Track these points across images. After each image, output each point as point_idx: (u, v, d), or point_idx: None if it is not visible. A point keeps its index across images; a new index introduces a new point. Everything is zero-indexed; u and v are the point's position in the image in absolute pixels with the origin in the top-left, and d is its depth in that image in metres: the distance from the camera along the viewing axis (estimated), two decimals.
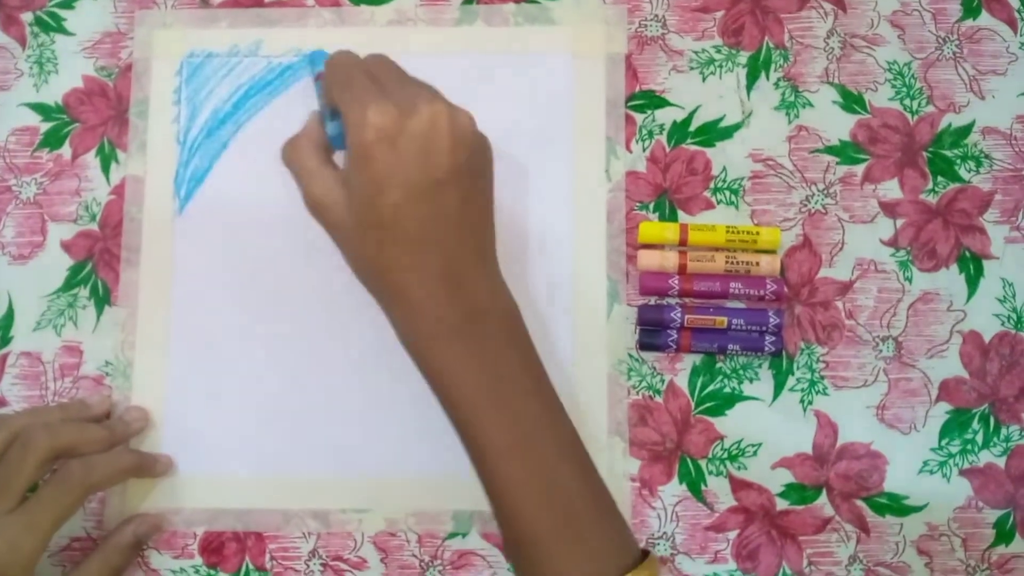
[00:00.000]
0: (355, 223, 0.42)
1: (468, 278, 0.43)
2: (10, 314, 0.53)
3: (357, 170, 0.41)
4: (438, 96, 0.42)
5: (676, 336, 0.51)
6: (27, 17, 0.56)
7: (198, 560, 0.50)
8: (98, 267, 0.53)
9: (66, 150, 0.54)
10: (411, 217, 0.41)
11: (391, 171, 0.40)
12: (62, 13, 0.56)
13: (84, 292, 0.53)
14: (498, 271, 0.45)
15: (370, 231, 0.41)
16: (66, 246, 0.53)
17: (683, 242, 0.51)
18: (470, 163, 0.42)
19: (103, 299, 0.53)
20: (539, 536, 0.41)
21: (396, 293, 0.42)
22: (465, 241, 0.43)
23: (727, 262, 0.51)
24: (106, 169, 0.54)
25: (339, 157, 0.44)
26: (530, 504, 0.41)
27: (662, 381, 0.51)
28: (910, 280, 0.52)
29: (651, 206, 0.53)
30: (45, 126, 0.54)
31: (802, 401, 0.51)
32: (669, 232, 0.51)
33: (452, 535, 0.50)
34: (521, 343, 0.44)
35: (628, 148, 0.53)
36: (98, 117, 0.54)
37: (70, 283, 0.53)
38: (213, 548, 0.51)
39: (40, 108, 0.55)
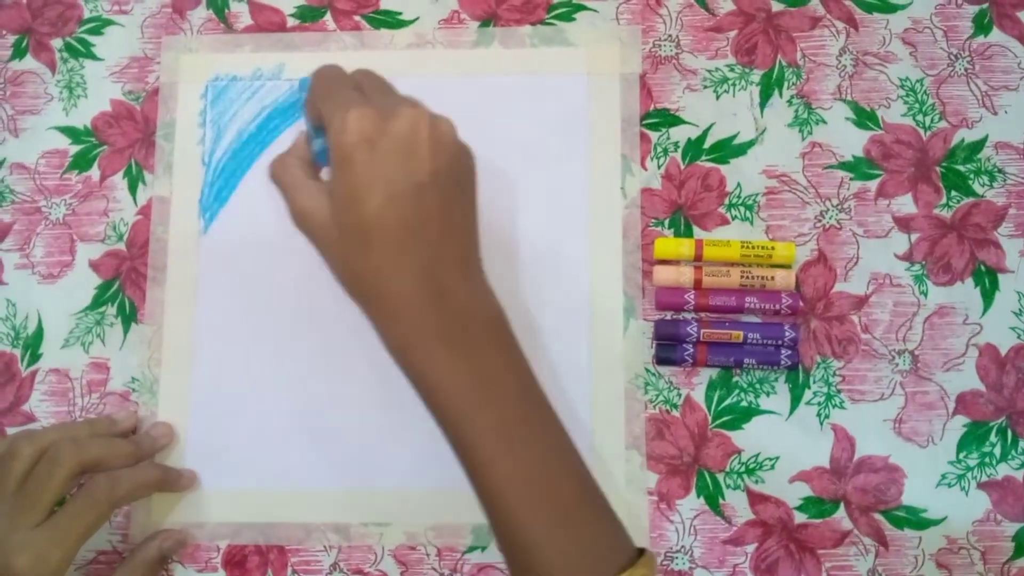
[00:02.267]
0: (338, 230, 0.42)
1: (451, 282, 0.42)
2: (39, 332, 0.54)
3: (339, 174, 0.41)
4: (419, 104, 0.43)
5: (692, 350, 0.51)
6: (57, 43, 0.57)
7: (221, 573, 0.51)
8: (125, 286, 0.54)
9: (95, 172, 0.56)
10: (392, 220, 0.41)
11: (372, 174, 0.41)
12: (91, 39, 0.57)
13: (111, 310, 0.54)
14: (483, 277, 0.45)
15: (352, 236, 0.42)
16: (94, 265, 0.55)
17: (698, 257, 0.52)
18: (451, 168, 0.43)
19: (130, 317, 0.54)
20: (532, 537, 0.41)
21: (379, 298, 0.42)
22: (447, 245, 0.43)
23: (742, 277, 0.52)
24: (133, 190, 0.55)
25: (325, 174, 0.45)
26: (522, 506, 0.41)
27: (679, 395, 0.52)
28: (925, 294, 0.52)
29: (666, 222, 0.53)
30: (74, 149, 0.56)
31: (819, 415, 0.51)
32: (684, 248, 0.52)
33: (471, 548, 0.51)
34: (508, 347, 0.44)
35: (643, 166, 0.54)
36: (126, 140, 0.56)
37: (98, 301, 0.54)
38: (236, 562, 0.51)
39: (69, 131, 0.56)
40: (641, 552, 0.42)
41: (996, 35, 0.55)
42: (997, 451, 0.50)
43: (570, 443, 0.43)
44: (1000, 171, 0.53)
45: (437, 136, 0.42)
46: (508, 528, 0.41)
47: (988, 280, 0.52)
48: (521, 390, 0.43)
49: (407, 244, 0.41)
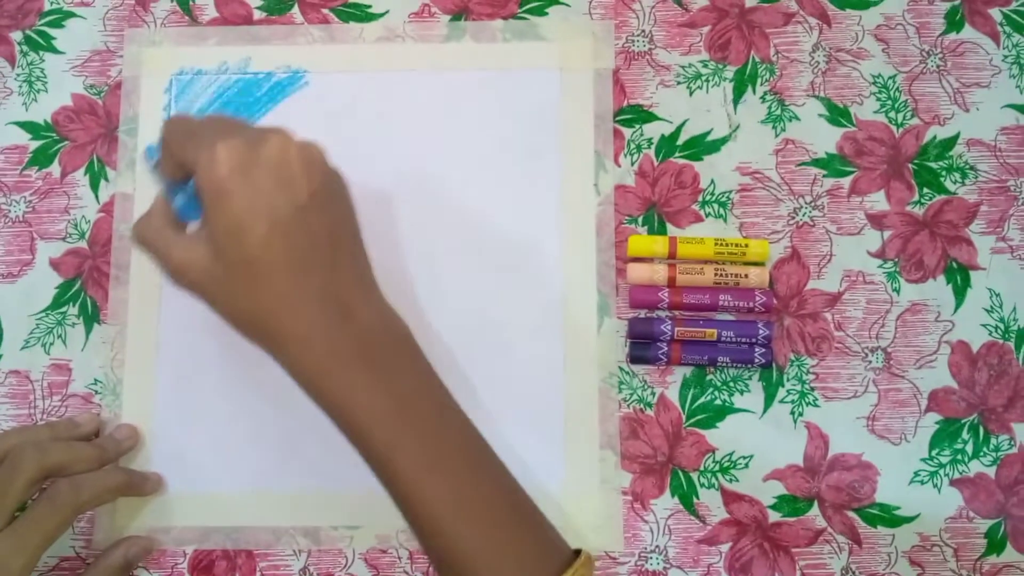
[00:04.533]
0: (223, 271, 0.40)
1: (353, 304, 0.42)
2: None
3: (216, 211, 0.40)
4: (284, 130, 0.41)
5: (666, 349, 0.51)
6: (16, 36, 0.56)
7: None
8: (87, 285, 0.53)
9: (55, 168, 0.54)
10: (280, 248, 0.40)
11: (251, 203, 0.39)
12: (51, 32, 0.56)
13: (73, 310, 0.53)
14: (382, 296, 0.44)
15: (240, 273, 0.40)
16: (55, 264, 0.53)
17: (672, 255, 0.52)
18: (327, 189, 0.42)
19: (92, 317, 0.53)
20: (463, 552, 0.40)
21: (281, 332, 0.41)
22: (342, 266, 0.42)
23: (716, 275, 0.51)
24: (95, 187, 0.54)
25: (192, 229, 0.43)
26: (450, 522, 0.40)
27: (653, 394, 0.51)
28: (898, 291, 0.52)
29: (640, 220, 0.53)
30: (34, 144, 0.54)
31: (792, 413, 0.51)
32: (658, 245, 0.52)
33: None
34: (420, 365, 0.43)
35: (617, 162, 0.53)
36: (87, 135, 0.54)
37: (59, 301, 0.53)
38: (203, 567, 0.50)
39: (29, 126, 0.55)
40: (577, 553, 0.42)
41: (968, 32, 0.55)
42: (969, 448, 0.51)
43: (492, 454, 0.43)
44: (972, 168, 0.53)
45: (308, 158, 0.41)
46: (439, 545, 0.41)
47: (960, 277, 0.52)
48: (438, 407, 0.43)
49: (300, 271, 0.40)
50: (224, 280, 0.41)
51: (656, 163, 0.54)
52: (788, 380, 0.51)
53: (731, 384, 0.51)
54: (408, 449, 0.41)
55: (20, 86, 0.55)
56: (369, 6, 0.56)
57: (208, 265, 0.41)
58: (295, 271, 0.40)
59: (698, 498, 0.50)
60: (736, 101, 0.54)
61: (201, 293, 0.42)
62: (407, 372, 0.42)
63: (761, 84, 0.54)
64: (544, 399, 0.51)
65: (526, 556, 0.41)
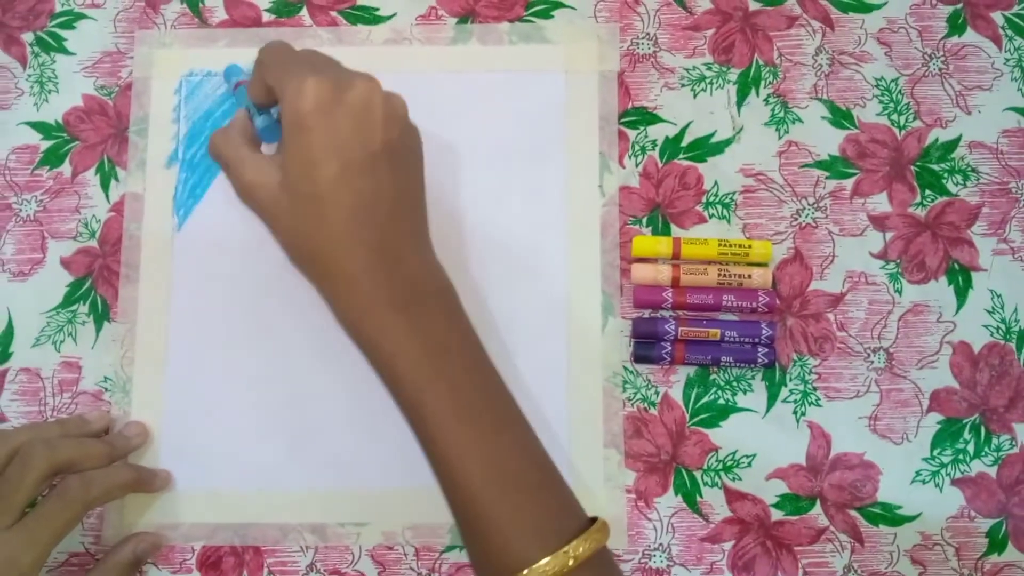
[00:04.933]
0: (290, 200, 0.42)
1: (405, 254, 0.43)
2: (10, 330, 0.53)
3: (293, 142, 0.41)
4: (374, 78, 0.43)
5: (670, 348, 0.51)
6: (28, 37, 0.56)
7: (196, 575, 0.51)
8: (97, 283, 0.53)
9: (66, 168, 0.55)
10: (348, 190, 0.41)
11: (328, 142, 0.41)
12: (63, 33, 0.56)
13: (83, 308, 0.53)
14: (432, 250, 0.45)
15: (307, 205, 0.42)
16: (66, 263, 0.54)
17: (676, 256, 0.52)
18: (403, 142, 0.43)
19: (102, 315, 0.53)
20: (484, 503, 0.41)
21: (333, 267, 0.42)
22: (401, 218, 0.43)
23: (720, 275, 0.52)
24: (106, 187, 0.54)
25: (267, 151, 0.45)
26: (474, 472, 0.41)
27: (656, 393, 0.52)
28: (900, 292, 0.52)
29: (644, 220, 0.53)
30: (45, 144, 0.55)
31: (795, 412, 0.51)
32: (662, 246, 0.52)
33: (449, 548, 0.51)
34: (460, 322, 0.45)
35: (621, 163, 0.54)
36: (98, 135, 0.55)
37: (69, 299, 0.53)
38: (211, 563, 0.51)
39: (40, 127, 0.55)
40: (593, 521, 0.42)
41: (970, 35, 0.55)
42: (971, 448, 0.51)
43: (520, 414, 0.44)
44: (974, 170, 0.54)
45: (390, 109, 0.43)
46: (460, 495, 0.42)
47: (962, 278, 0.53)
48: (472, 360, 0.44)
49: (362, 214, 0.42)
50: (289, 210, 0.42)
51: (660, 165, 0.54)
52: (791, 380, 0.52)
53: (734, 384, 0.52)
54: (438, 395, 0.42)
55: (31, 87, 0.56)
56: (377, 9, 0.56)
57: (276, 192, 0.42)
58: (356, 216, 0.42)
59: (701, 496, 0.51)
60: (740, 103, 0.55)
61: (263, 216, 0.43)
62: (445, 322, 0.44)
63: (764, 87, 0.55)
64: (548, 398, 0.51)
65: (545, 515, 0.42)
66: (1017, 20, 0.55)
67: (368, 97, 0.42)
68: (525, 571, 0.40)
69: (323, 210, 0.42)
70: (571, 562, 0.40)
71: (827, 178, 0.54)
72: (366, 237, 0.42)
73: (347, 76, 0.43)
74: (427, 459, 0.43)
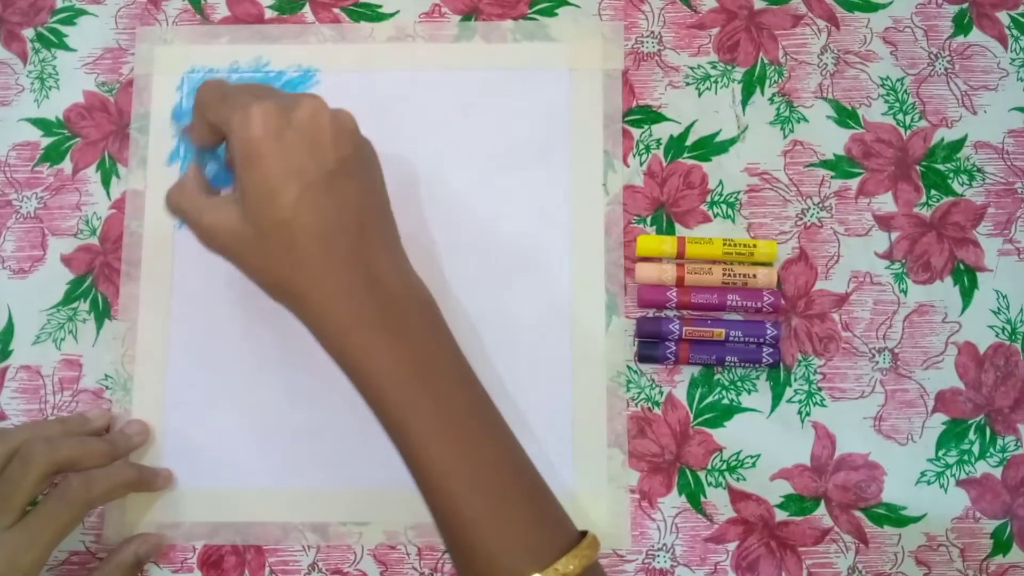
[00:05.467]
0: (254, 232, 0.41)
1: (380, 268, 0.42)
2: (10, 328, 0.53)
3: (248, 173, 0.41)
4: (317, 96, 0.43)
5: (674, 348, 0.51)
6: (29, 33, 0.56)
7: (197, 574, 0.50)
8: (98, 281, 0.53)
9: (67, 165, 0.54)
10: (312, 210, 0.41)
11: (284, 166, 0.40)
12: (63, 29, 0.56)
13: (84, 306, 0.53)
14: (408, 263, 0.45)
15: (272, 235, 0.41)
16: (66, 260, 0.53)
17: (680, 255, 0.52)
18: (357, 157, 0.43)
19: (103, 313, 0.53)
20: (471, 519, 0.40)
21: (309, 291, 0.41)
22: (370, 231, 0.43)
23: (724, 275, 0.51)
24: (107, 184, 0.54)
25: (225, 193, 0.45)
26: (460, 487, 0.41)
27: (661, 393, 0.51)
28: (905, 292, 0.52)
29: (648, 219, 0.53)
30: (46, 141, 0.55)
31: (800, 412, 0.51)
32: (667, 245, 0.52)
33: None
34: (442, 334, 0.44)
35: (625, 162, 0.54)
36: (99, 132, 0.55)
37: (70, 297, 0.53)
38: (212, 562, 0.50)
39: (41, 123, 0.55)
40: (583, 535, 0.42)
41: (976, 35, 0.55)
42: (976, 449, 0.51)
43: (505, 427, 0.43)
44: (979, 170, 0.53)
45: (339, 125, 0.42)
46: (445, 513, 0.41)
47: (967, 279, 0.52)
48: (455, 376, 0.43)
49: (331, 233, 0.41)
50: (253, 241, 0.41)
51: (665, 163, 0.54)
52: (795, 380, 0.52)
53: (739, 383, 0.51)
54: (421, 413, 0.41)
55: (32, 83, 0.55)
56: (380, 6, 0.56)
57: (237, 227, 0.42)
58: (324, 236, 0.41)
59: (705, 497, 0.51)
60: (744, 102, 0.54)
61: (230, 255, 0.43)
62: (427, 338, 0.43)
63: (769, 86, 0.54)
64: (552, 397, 0.51)
65: (532, 530, 0.41)
66: (1023, 20, 0.55)
67: (315, 115, 0.41)
68: None
69: (290, 237, 0.41)
70: None
71: (832, 178, 0.53)
72: (337, 258, 0.41)
73: (290, 98, 0.42)
74: (412, 477, 0.42)
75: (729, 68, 0.55)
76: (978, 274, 0.52)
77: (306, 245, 0.41)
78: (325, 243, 0.41)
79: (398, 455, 0.42)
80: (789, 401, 0.51)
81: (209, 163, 0.46)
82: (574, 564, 0.40)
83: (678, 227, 0.53)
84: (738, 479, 0.51)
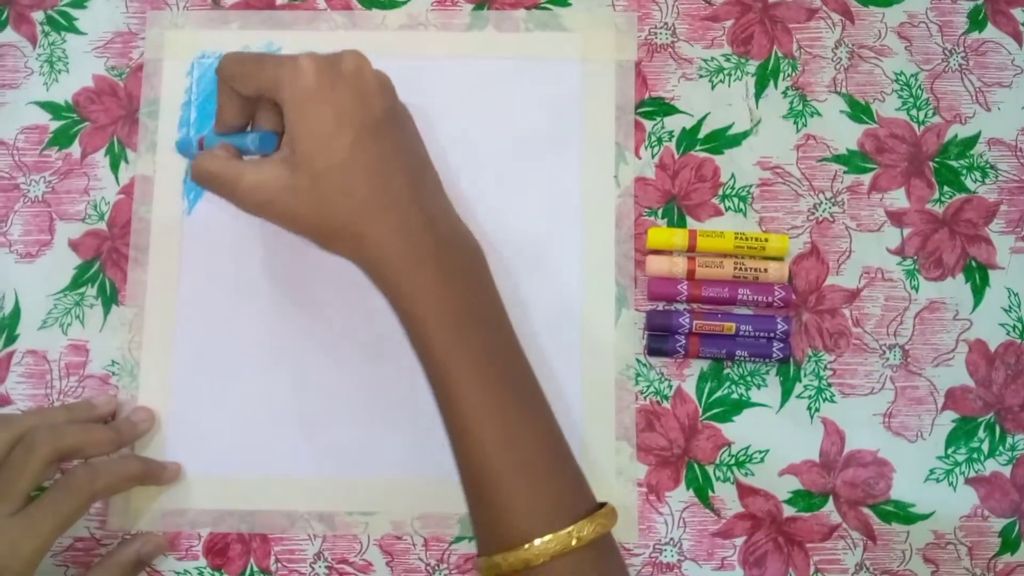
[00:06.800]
0: (309, 181, 0.42)
1: (436, 211, 0.44)
2: (16, 312, 0.52)
3: (302, 120, 0.42)
4: (358, 51, 0.44)
5: (684, 342, 0.51)
6: (38, 16, 0.56)
7: (202, 562, 0.50)
8: (106, 266, 0.53)
9: (75, 149, 0.54)
10: (370, 152, 0.42)
11: (337, 112, 0.42)
12: (73, 12, 0.56)
13: (91, 291, 0.53)
14: (457, 214, 0.46)
15: (328, 180, 0.42)
16: (74, 245, 0.53)
17: (692, 248, 0.52)
18: (399, 110, 0.45)
19: (110, 298, 0.52)
20: (496, 473, 0.41)
21: (366, 234, 0.42)
22: (424, 176, 0.44)
23: (735, 268, 0.51)
24: (115, 168, 0.54)
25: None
26: (491, 440, 0.41)
27: (670, 386, 0.51)
28: (917, 289, 0.52)
29: (660, 212, 0.53)
30: (55, 125, 0.54)
31: (809, 408, 0.51)
32: (678, 238, 0.52)
33: (458, 539, 0.50)
34: (487, 283, 0.45)
35: (637, 154, 0.53)
36: (108, 116, 0.54)
37: (77, 282, 0.53)
38: (218, 550, 0.50)
39: (50, 107, 0.55)
40: (602, 505, 0.42)
41: (990, 31, 0.55)
42: (985, 447, 0.51)
43: (540, 391, 0.44)
44: (992, 167, 0.53)
45: (382, 80, 0.44)
46: (473, 462, 0.42)
47: (979, 276, 0.52)
48: (500, 330, 0.44)
49: (386, 174, 0.42)
50: (307, 190, 0.42)
51: (677, 156, 0.53)
52: (805, 375, 0.51)
53: (748, 378, 0.51)
54: (465, 360, 0.42)
55: (41, 66, 0.55)
56: None
57: (287, 180, 0.42)
58: (382, 175, 0.42)
59: (713, 491, 0.50)
60: (758, 96, 0.54)
61: (277, 211, 0.43)
62: (475, 286, 0.44)
63: (783, 79, 0.54)
64: (561, 390, 0.51)
65: (555, 492, 0.41)
66: None
67: (360, 68, 0.43)
68: (526, 545, 0.40)
69: (347, 179, 0.42)
70: (574, 542, 0.40)
71: (845, 172, 0.53)
72: (395, 198, 0.42)
73: (333, 54, 0.44)
74: (444, 422, 0.43)
75: (743, 61, 0.54)
76: (990, 271, 0.52)
77: (364, 185, 0.42)
78: (383, 183, 0.42)
79: (434, 401, 0.43)
80: (799, 396, 0.51)
81: (248, 136, 0.46)
82: (588, 529, 0.40)
83: (689, 220, 0.53)
84: (746, 474, 0.51)
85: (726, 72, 0.54)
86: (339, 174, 0.42)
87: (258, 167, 0.43)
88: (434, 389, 0.43)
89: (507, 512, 0.41)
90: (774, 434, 0.51)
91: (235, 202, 0.44)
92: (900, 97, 0.54)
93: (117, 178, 0.54)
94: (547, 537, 0.40)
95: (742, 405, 0.51)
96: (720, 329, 0.51)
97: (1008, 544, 0.50)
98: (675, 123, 0.54)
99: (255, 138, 0.46)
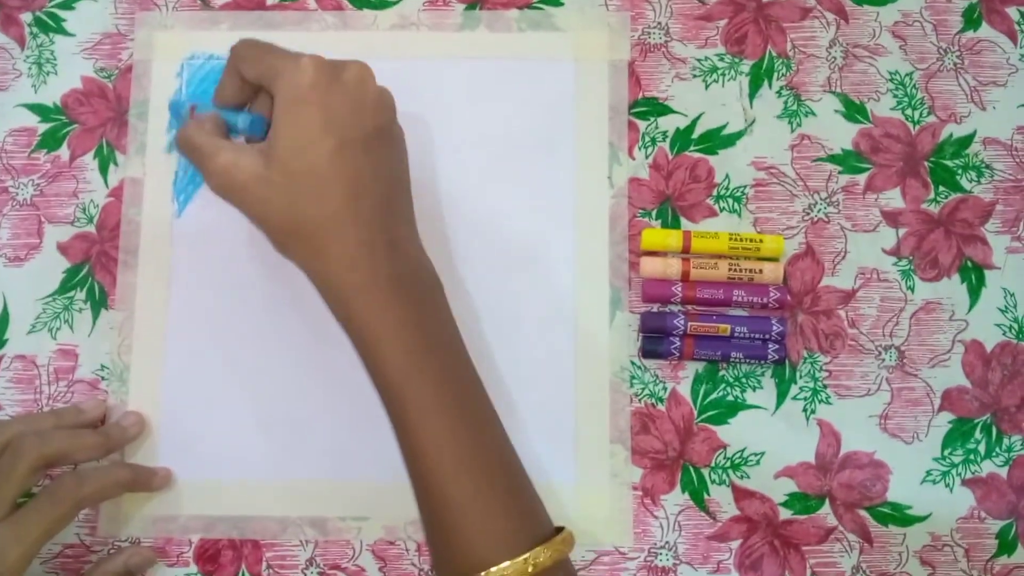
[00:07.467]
0: (282, 178, 0.41)
1: (401, 235, 0.43)
2: (5, 316, 0.52)
3: (289, 118, 0.41)
4: (366, 64, 0.44)
5: (679, 343, 0.50)
6: (26, 17, 0.55)
7: (193, 568, 0.50)
8: (95, 270, 0.52)
9: (64, 151, 0.54)
10: (348, 165, 0.42)
11: (326, 117, 0.41)
12: (62, 14, 0.55)
13: (80, 295, 0.52)
14: (422, 245, 0.45)
15: (302, 182, 0.41)
16: (63, 248, 0.53)
17: (686, 249, 0.51)
18: (393, 130, 0.44)
19: (100, 302, 0.52)
20: (453, 500, 0.40)
21: (329, 246, 0.42)
22: (398, 200, 0.44)
23: (730, 269, 0.51)
24: (104, 171, 0.53)
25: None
26: (450, 465, 0.41)
27: (664, 389, 0.51)
28: (912, 289, 0.52)
29: (653, 213, 0.53)
30: (43, 127, 0.54)
31: (805, 410, 0.51)
32: (672, 239, 0.51)
33: None
34: (444, 311, 0.44)
35: (631, 155, 0.53)
36: (97, 119, 0.54)
37: (66, 286, 0.52)
38: (209, 556, 0.50)
39: (38, 109, 0.54)
40: (559, 531, 0.42)
41: (985, 30, 0.54)
42: (982, 448, 0.50)
43: (495, 414, 0.44)
44: (987, 167, 0.53)
45: (383, 97, 0.44)
46: (430, 489, 0.41)
47: (975, 276, 0.52)
48: (457, 357, 0.44)
49: (360, 190, 0.42)
50: (280, 187, 0.42)
51: (671, 156, 0.53)
52: (801, 377, 0.51)
53: (743, 380, 0.51)
54: (421, 385, 0.41)
55: (29, 68, 0.54)
56: None
57: (261, 170, 0.42)
58: (355, 191, 0.42)
59: (709, 494, 0.50)
60: (752, 95, 0.54)
61: (244, 198, 0.43)
62: (433, 314, 0.43)
63: (777, 79, 0.54)
64: (555, 392, 0.51)
65: (512, 519, 0.41)
66: None
67: (363, 80, 0.43)
68: (483, 573, 0.39)
69: (321, 185, 0.41)
70: (531, 569, 0.39)
71: (840, 172, 0.53)
72: (365, 214, 0.42)
73: (339, 60, 0.43)
74: (400, 448, 0.42)
75: (737, 60, 0.54)
76: (986, 272, 0.52)
77: (335, 196, 0.41)
78: (355, 198, 0.42)
79: (391, 426, 0.42)
80: (794, 398, 0.51)
81: (240, 116, 0.46)
82: (544, 556, 0.40)
83: (683, 221, 0.52)
84: (742, 477, 0.50)
85: (720, 72, 0.54)
86: (313, 179, 0.41)
87: (237, 150, 0.43)
88: (390, 413, 0.42)
89: (463, 538, 0.40)
90: (770, 436, 0.50)
91: (205, 176, 0.43)
92: (895, 96, 0.54)
93: (106, 181, 0.53)
94: (504, 564, 0.39)
95: (737, 407, 0.51)
96: (715, 331, 0.50)
97: (1005, 546, 0.50)
98: (669, 123, 0.53)
99: (246, 118, 0.46)
